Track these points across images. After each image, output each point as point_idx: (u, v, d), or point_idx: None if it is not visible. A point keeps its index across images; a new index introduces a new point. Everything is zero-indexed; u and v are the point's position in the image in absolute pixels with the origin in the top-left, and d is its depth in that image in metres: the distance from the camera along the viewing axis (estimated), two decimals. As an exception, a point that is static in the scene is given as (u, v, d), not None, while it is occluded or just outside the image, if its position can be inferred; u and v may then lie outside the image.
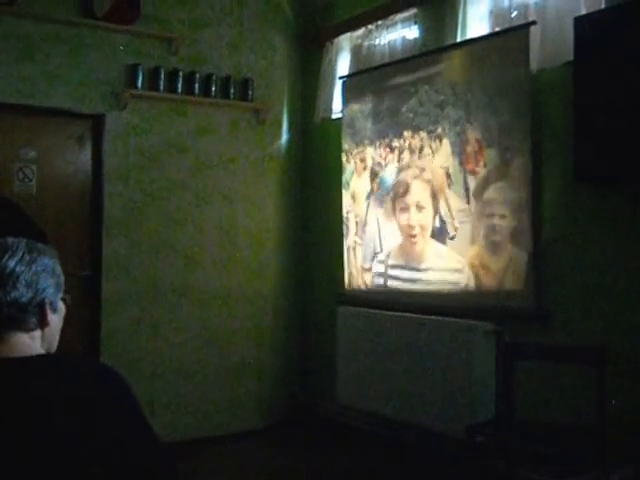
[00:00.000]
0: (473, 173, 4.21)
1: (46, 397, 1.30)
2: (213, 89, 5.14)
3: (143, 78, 4.93)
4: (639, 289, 3.53)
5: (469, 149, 4.22)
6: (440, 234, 4.44)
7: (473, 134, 4.21)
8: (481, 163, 4.18)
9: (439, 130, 4.39)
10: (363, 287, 5.00)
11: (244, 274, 5.30)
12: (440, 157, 4.40)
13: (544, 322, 3.84)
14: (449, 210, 4.36)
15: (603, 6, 3.59)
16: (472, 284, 4.20)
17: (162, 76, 4.99)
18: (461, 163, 4.28)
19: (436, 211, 4.45)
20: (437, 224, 4.45)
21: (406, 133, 4.63)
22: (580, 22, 3.46)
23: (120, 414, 1.36)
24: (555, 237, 3.84)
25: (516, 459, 3.58)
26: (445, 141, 4.38)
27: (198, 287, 5.15)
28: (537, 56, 3.85)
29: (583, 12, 3.61)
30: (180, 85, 5.02)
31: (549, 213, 3.91)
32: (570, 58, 3.54)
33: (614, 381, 3.44)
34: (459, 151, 4.30)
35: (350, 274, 5.12)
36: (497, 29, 4.16)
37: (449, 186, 4.36)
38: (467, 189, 4.21)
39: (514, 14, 4.05)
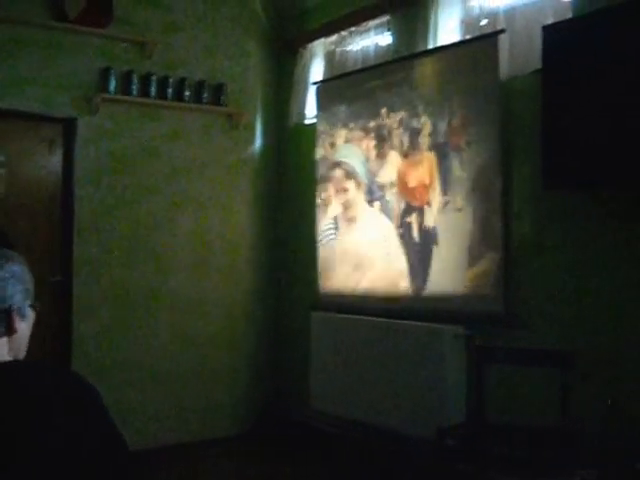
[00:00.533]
0: (446, 181, 4.25)
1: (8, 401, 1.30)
2: (186, 94, 5.13)
3: (115, 82, 4.90)
4: (605, 294, 3.56)
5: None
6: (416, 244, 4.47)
7: (444, 141, 4.25)
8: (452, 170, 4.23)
9: (411, 136, 4.44)
10: (337, 292, 4.99)
11: (217, 280, 5.28)
12: (419, 167, 4.42)
13: (513, 326, 3.87)
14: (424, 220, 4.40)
15: (570, 15, 3.64)
16: (443, 288, 4.24)
17: (135, 80, 4.97)
18: (439, 171, 4.31)
19: (419, 222, 4.46)
20: (415, 233, 4.47)
21: (380, 141, 4.67)
22: (548, 31, 3.50)
23: (100, 418, 1.39)
24: (524, 243, 3.86)
25: (486, 461, 3.60)
26: (419, 146, 4.43)
27: (170, 293, 5.11)
28: (506, 64, 3.89)
29: (551, 21, 3.65)
30: (153, 89, 4.99)
31: (519, 219, 3.92)
32: (538, 66, 3.57)
33: (581, 385, 3.49)
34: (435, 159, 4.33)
35: (324, 279, 5.13)
36: (467, 37, 4.21)
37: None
38: (442, 195, 4.25)
39: (484, 22, 4.09)
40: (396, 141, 4.56)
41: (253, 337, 5.50)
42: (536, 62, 3.61)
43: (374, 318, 4.54)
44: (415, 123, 4.40)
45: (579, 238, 3.66)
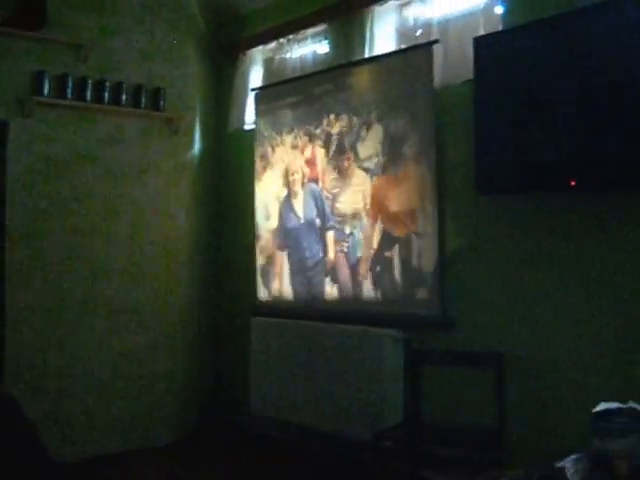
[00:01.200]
0: (382, 188, 4.29)
1: None
2: (124, 98, 5.07)
3: (50, 85, 4.78)
4: (537, 298, 3.62)
5: (375, 167, 4.34)
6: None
7: (380, 149, 4.29)
8: (387, 176, 4.28)
9: (348, 143, 4.48)
10: (277, 297, 5.01)
11: (155, 286, 5.22)
12: (355, 176, 4.47)
13: (449, 330, 3.93)
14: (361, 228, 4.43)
15: (501, 28, 3.72)
16: (382, 293, 4.29)
17: (70, 84, 4.87)
18: (371, 178, 4.36)
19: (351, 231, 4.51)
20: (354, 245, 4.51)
21: (319, 148, 4.70)
22: (479, 42, 3.57)
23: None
24: (460, 247, 3.93)
25: (422, 462, 3.66)
26: (353, 155, 4.47)
27: (107, 300, 5.03)
28: (440, 74, 3.95)
29: (482, 33, 3.72)
30: (89, 93, 4.92)
31: (454, 225, 3.97)
32: (470, 76, 3.63)
33: (512, 385, 3.56)
34: (371, 167, 4.37)
35: (264, 285, 5.11)
36: (403, 46, 4.27)
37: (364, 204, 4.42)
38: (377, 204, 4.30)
39: (418, 33, 4.16)
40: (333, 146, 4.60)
41: (192, 343, 5.44)
42: (468, 72, 3.67)
43: (314, 322, 4.55)
44: (358, 131, 4.43)
45: (511, 241, 3.71)
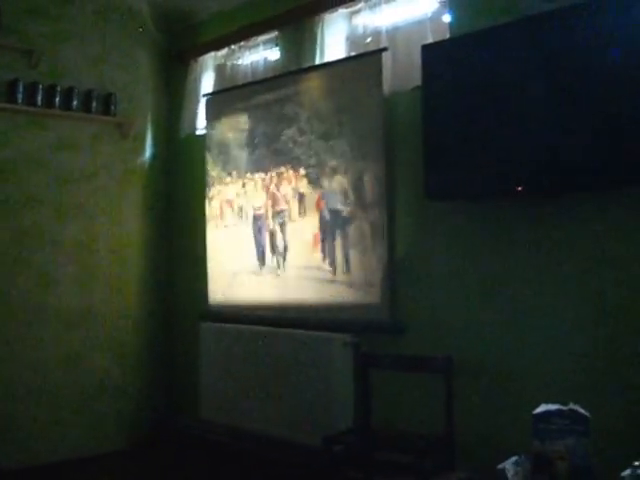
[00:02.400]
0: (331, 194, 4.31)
1: None
2: (74, 103, 5.03)
3: (0, 90, 4.75)
4: (486, 302, 3.64)
5: (326, 172, 4.35)
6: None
7: (330, 157, 4.31)
8: (336, 182, 4.29)
9: (297, 154, 4.50)
10: (226, 302, 4.98)
11: (105, 291, 5.19)
12: (298, 182, 4.51)
13: (399, 334, 3.93)
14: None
15: (448, 36, 3.74)
16: (333, 298, 4.30)
17: (20, 89, 4.82)
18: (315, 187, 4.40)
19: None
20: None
21: (270, 165, 4.70)
22: (427, 50, 3.59)
23: None
24: (409, 253, 3.93)
25: (371, 468, 3.64)
26: (301, 167, 4.48)
27: (56, 305, 4.96)
28: (389, 80, 3.98)
29: (430, 41, 3.74)
30: (39, 98, 4.87)
31: (403, 231, 3.98)
32: (419, 83, 3.66)
33: (462, 390, 3.55)
34: (315, 177, 4.41)
35: (213, 290, 5.10)
36: (353, 54, 4.29)
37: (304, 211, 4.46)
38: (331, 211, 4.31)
39: (368, 40, 4.18)
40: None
41: (142, 349, 5.41)
42: (417, 79, 3.69)
43: (263, 327, 4.54)
44: (302, 139, 4.45)
45: (459, 247, 3.73)
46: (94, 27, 5.18)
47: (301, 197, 4.46)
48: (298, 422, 4.20)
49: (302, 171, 4.48)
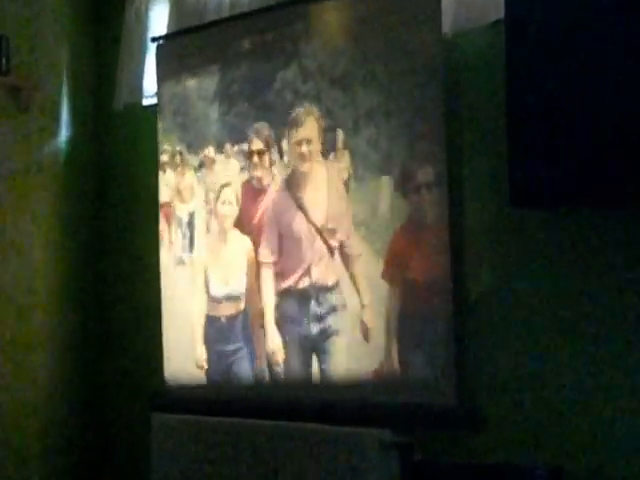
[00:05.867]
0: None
1: None
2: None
3: None
4: (612, 371, 3.04)
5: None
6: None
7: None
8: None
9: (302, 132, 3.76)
10: (193, 380, 4.10)
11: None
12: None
13: (474, 428, 3.26)
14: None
15: None
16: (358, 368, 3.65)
17: None
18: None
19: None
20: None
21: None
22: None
23: None
24: (485, 292, 3.33)
25: None
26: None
27: None
28: (452, 11, 3.38)
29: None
30: None
31: (475, 258, 3.38)
32: (500, 15, 3.05)
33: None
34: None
35: (172, 360, 4.15)
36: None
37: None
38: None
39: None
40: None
41: (55, 458, 4.35)
42: (496, 9, 3.11)
43: (251, 420, 3.78)
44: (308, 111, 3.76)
45: (569, 281, 3.12)
46: None
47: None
48: None
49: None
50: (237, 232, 4.08)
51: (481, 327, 3.31)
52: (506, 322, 3.24)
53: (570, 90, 2.76)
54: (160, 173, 4.22)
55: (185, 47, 4.11)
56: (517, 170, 2.89)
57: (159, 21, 4.29)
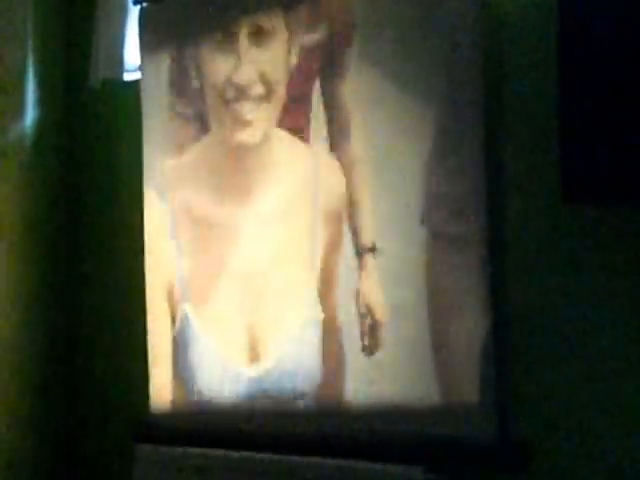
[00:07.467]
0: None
1: None
2: None
3: None
4: None
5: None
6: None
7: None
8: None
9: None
10: (184, 405, 3.76)
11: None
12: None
13: (518, 466, 3.03)
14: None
15: None
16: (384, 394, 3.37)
17: None
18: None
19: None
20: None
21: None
22: None
23: None
24: (530, 305, 3.10)
25: None
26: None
27: None
28: None
29: None
30: None
31: (519, 262, 3.16)
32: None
33: None
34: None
35: (159, 383, 3.77)
36: None
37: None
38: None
39: None
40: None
41: None
42: None
43: (254, 454, 3.50)
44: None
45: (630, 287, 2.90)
46: None
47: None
48: None
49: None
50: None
51: (524, 343, 3.06)
52: (558, 338, 2.95)
53: (631, 78, 2.51)
54: (145, 161, 3.76)
55: (175, 10, 3.71)
56: (568, 162, 2.68)
57: (140, -18, 3.98)
